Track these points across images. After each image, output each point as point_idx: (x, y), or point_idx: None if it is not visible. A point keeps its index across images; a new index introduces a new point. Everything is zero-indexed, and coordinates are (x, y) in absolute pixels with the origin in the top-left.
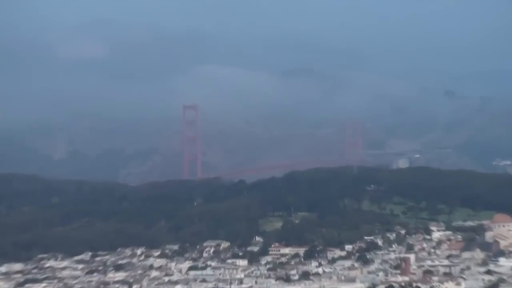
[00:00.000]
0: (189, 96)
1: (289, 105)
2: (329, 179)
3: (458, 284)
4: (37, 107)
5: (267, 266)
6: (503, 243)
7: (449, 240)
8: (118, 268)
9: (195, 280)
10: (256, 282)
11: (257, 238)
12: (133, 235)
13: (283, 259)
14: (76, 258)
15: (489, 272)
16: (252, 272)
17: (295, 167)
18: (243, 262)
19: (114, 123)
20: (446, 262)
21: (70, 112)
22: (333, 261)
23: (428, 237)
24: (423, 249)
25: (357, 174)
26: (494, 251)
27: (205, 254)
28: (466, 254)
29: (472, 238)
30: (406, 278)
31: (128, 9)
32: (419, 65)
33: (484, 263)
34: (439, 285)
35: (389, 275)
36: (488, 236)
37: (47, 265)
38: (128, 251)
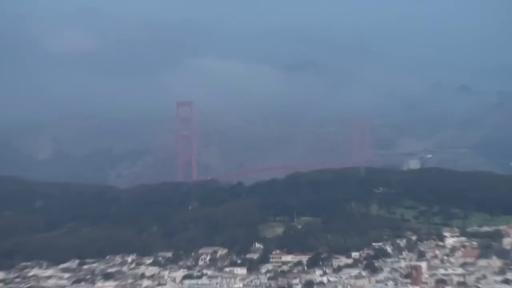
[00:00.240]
0: (183, 92)
1: (291, 101)
2: (334, 181)
3: None
4: (20, 103)
5: (268, 275)
6: None
7: (463, 246)
8: (107, 277)
9: None
10: None
11: (257, 245)
12: (123, 241)
13: (285, 267)
14: (62, 266)
15: (506, 281)
16: (252, 281)
17: (298, 168)
18: (241, 271)
19: (103, 120)
20: (460, 270)
21: (55, 109)
22: (338, 269)
23: (441, 243)
24: (435, 256)
25: (365, 175)
26: None
27: (200, 262)
28: (481, 262)
29: (489, 245)
30: None
31: None
32: (432, 59)
33: (501, 271)
34: None
35: (399, 284)
36: (506, 242)
37: (31, 273)
38: (118, 259)
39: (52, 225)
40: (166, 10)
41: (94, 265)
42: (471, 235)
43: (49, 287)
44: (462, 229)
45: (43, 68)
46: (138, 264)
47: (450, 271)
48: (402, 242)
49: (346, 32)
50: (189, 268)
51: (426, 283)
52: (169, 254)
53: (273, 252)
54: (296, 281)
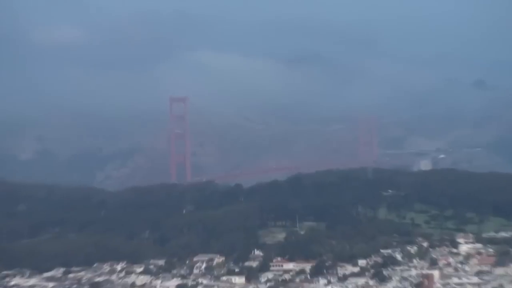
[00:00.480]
0: (177, 87)
1: (294, 97)
2: (339, 183)
3: None
4: (1, 99)
5: (268, 284)
6: None
7: (479, 254)
8: (94, 286)
9: None
10: None
11: (256, 252)
12: (112, 248)
13: (287, 276)
14: (46, 275)
15: None
16: None
17: (300, 169)
18: (240, 280)
19: (91, 118)
20: (475, 279)
21: (40, 105)
22: (344, 278)
23: (454, 250)
24: (448, 264)
25: (372, 177)
26: None
27: (195, 271)
28: (498, 270)
29: (506, 252)
30: None
31: None
32: (444, 52)
33: None
34: None
35: None
36: None
37: (13, 283)
38: (106, 267)
39: (36, 231)
40: (160, 1)
41: (81, 273)
42: (487, 241)
43: None
44: (477, 234)
45: (27, 61)
46: (128, 273)
47: (464, 280)
48: (413, 249)
49: (353, 24)
50: (183, 277)
51: None
52: (161, 262)
53: (274, 260)
54: None
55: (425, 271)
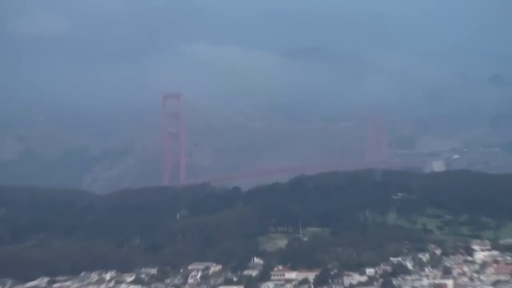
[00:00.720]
0: (171, 82)
1: (296, 93)
2: (346, 185)
3: None
4: None
5: None
6: None
7: (496, 262)
8: None
9: None
10: None
11: (256, 260)
12: (100, 255)
13: (289, 286)
14: (29, 284)
15: None
16: None
17: (304, 170)
18: None
19: (77, 115)
20: None
21: (21, 101)
22: None
23: (469, 258)
24: (463, 273)
25: (381, 179)
26: None
27: (190, 280)
28: None
29: None
30: None
31: None
32: (459, 45)
33: None
34: None
35: None
36: None
37: None
38: (94, 276)
39: (18, 237)
40: None
41: (67, 283)
42: (504, 249)
43: None
44: (494, 241)
45: (7, 54)
46: (118, 282)
47: None
48: (425, 257)
49: (360, 14)
50: (177, 286)
51: None
52: (153, 271)
53: (275, 269)
54: None
55: (438, 281)
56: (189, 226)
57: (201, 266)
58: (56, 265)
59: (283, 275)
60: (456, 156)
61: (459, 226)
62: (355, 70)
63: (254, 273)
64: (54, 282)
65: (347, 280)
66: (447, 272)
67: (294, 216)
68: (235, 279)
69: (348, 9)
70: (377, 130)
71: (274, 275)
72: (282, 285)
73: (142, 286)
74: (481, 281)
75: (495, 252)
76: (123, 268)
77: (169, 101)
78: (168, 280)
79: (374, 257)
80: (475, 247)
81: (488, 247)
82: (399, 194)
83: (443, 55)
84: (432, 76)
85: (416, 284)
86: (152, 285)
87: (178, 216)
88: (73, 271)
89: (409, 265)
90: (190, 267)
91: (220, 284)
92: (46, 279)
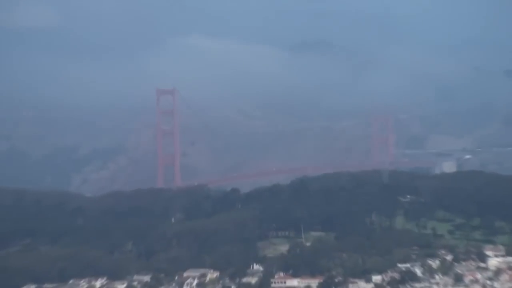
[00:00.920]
0: (166, 78)
1: (299, 90)
2: (350, 187)
3: None
4: None
5: None
6: None
7: (510, 268)
8: None
9: None
10: None
11: (256, 266)
12: (90, 262)
13: None
14: None
15: None
16: None
17: (306, 171)
18: None
19: (66, 112)
20: None
21: (6, 98)
22: None
23: (482, 264)
24: (476, 281)
25: (388, 181)
26: None
27: (186, 287)
28: None
29: None
30: None
31: None
32: (472, 38)
33: None
34: None
35: None
36: None
37: None
38: (83, 284)
39: (2, 242)
40: None
41: None
42: None
43: None
44: (508, 247)
45: None
46: None
47: None
48: (435, 263)
49: (367, 4)
50: None
51: None
52: (146, 278)
53: (276, 276)
54: None
55: None
56: (185, 231)
57: (197, 273)
58: (43, 272)
59: (284, 282)
60: (468, 156)
61: (471, 230)
62: (361, 65)
63: (253, 280)
64: None
65: None
66: (458, 280)
67: (296, 219)
68: (233, 287)
69: (355, 1)
70: (384, 128)
71: (274, 282)
72: None
73: None
74: None
75: (509, 258)
76: (114, 275)
77: (163, 98)
78: None
79: (381, 264)
80: (489, 252)
81: (502, 252)
82: (408, 196)
83: (454, 48)
84: (442, 71)
85: None
86: None
87: (173, 220)
88: (61, 279)
89: (418, 272)
90: (185, 274)
91: None
92: (32, 287)
